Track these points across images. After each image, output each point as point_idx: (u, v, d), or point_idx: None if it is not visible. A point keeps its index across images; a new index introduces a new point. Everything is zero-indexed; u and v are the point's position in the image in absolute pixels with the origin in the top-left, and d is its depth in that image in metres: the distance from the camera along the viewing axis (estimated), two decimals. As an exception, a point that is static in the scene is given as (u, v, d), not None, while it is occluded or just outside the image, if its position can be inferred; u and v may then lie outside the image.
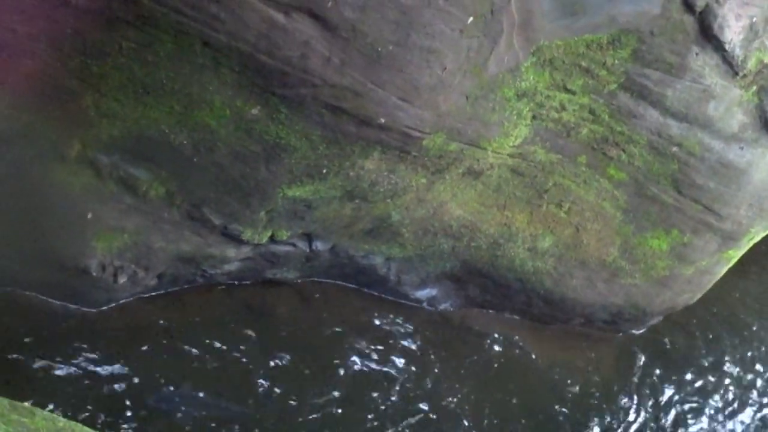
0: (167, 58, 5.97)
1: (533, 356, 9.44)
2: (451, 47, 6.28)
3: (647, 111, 7.58)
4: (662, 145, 7.81)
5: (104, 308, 7.48)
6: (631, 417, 9.47)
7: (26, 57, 5.87)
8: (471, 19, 6.21)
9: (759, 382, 10.75)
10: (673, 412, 9.81)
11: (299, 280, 8.51)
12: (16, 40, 5.75)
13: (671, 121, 7.67)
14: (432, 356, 8.78)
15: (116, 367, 7.25)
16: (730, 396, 10.44)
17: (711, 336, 11.07)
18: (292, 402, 7.75)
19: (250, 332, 8.01)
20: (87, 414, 6.78)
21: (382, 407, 8.14)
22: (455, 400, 8.51)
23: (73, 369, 7.07)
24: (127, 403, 7.11)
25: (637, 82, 7.37)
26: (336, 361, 8.21)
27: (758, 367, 11.01)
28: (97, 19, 5.72)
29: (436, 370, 8.65)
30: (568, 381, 9.38)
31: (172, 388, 7.31)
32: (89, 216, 6.79)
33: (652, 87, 7.42)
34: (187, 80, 6.12)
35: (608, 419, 9.29)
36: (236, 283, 8.19)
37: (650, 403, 9.73)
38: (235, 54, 5.97)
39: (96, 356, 7.20)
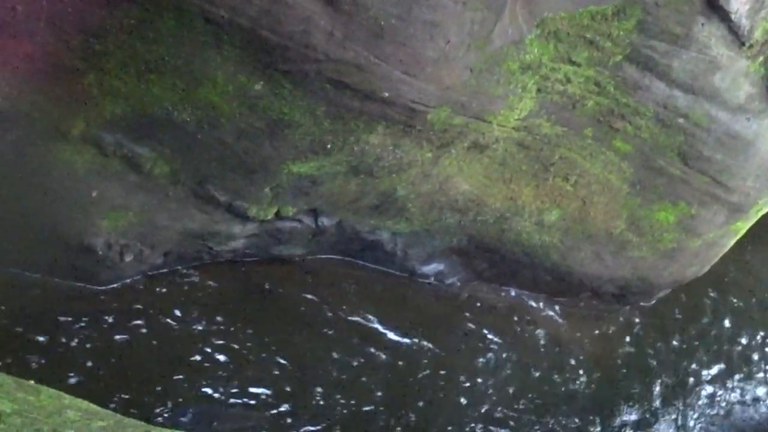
0: (169, 35, 5.94)
1: (541, 330, 9.43)
2: (454, 20, 6.23)
3: (653, 82, 7.52)
4: (668, 116, 7.76)
5: (111, 287, 7.48)
6: (643, 388, 9.49)
7: (27, 37, 5.84)
8: (473, -9, 6.17)
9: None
10: (684, 381, 9.85)
11: (305, 257, 8.50)
12: (17, 20, 5.72)
13: (677, 92, 7.62)
14: (440, 331, 8.77)
15: (123, 346, 7.26)
16: (739, 364, 10.49)
17: (719, 307, 11.07)
18: (301, 377, 7.80)
19: (256, 309, 8.01)
20: (94, 393, 6.77)
21: (392, 382, 8.21)
22: (463, 375, 8.53)
23: (80, 348, 7.07)
24: (133, 383, 7.14)
25: (642, 54, 7.32)
26: (342, 337, 8.21)
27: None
28: (97, -3, 5.71)
29: (444, 346, 8.65)
30: (577, 353, 9.39)
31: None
32: (94, 195, 6.77)
33: (657, 58, 7.36)
34: (189, 57, 6.08)
35: (619, 390, 9.30)
36: (242, 260, 8.17)
37: (662, 373, 9.75)
38: (237, 30, 5.93)
39: (103, 335, 7.21)
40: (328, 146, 6.87)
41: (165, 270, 7.79)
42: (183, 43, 6.00)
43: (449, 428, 8.25)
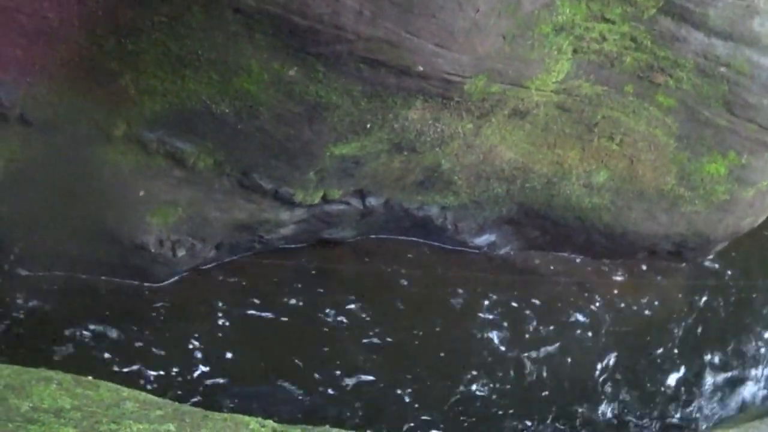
0: (199, 29, 6.01)
1: (602, 294, 9.39)
2: (482, -12, 6.24)
3: (690, 33, 7.46)
4: (709, 66, 7.70)
5: (167, 282, 7.56)
6: (706, 346, 9.42)
7: (62, 42, 5.96)
8: (500, -43, 6.16)
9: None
10: (751, 336, 9.77)
11: (356, 238, 8.55)
12: (50, 27, 5.84)
13: (716, 41, 7.55)
14: (501, 302, 8.78)
15: (185, 341, 7.34)
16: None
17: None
18: (374, 353, 7.91)
19: (316, 291, 8.07)
20: (157, 390, 6.88)
21: (468, 355, 8.29)
22: (529, 343, 8.53)
23: (139, 345, 7.17)
24: (201, 378, 7.23)
25: (676, 5, 7.26)
26: (409, 314, 8.29)
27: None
28: (126, -3, 5.79)
29: (507, 316, 8.65)
30: (641, 314, 9.34)
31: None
32: (141, 193, 6.87)
33: (692, 8, 7.31)
34: (222, 49, 6.15)
35: (683, 350, 9.25)
36: (294, 246, 8.22)
37: (727, 330, 9.68)
38: (266, 18, 5.98)
39: (163, 331, 7.29)
40: (368, 125, 6.90)
41: (219, 262, 7.86)
42: (214, 36, 6.07)
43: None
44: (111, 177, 6.73)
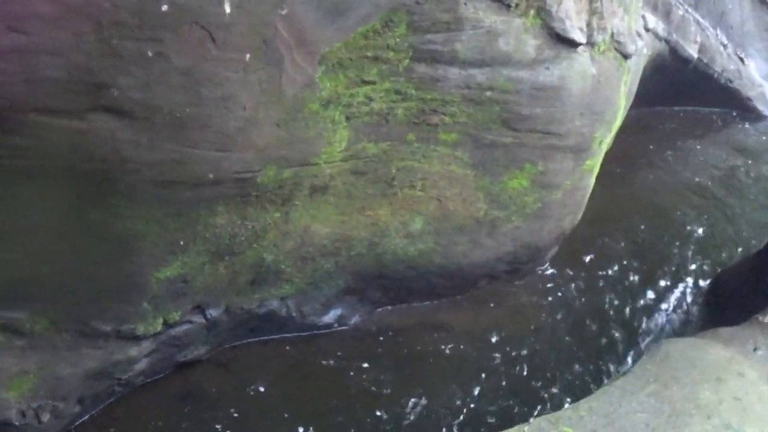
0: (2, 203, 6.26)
1: (460, 331, 9.65)
2: (242, 87, 6.63)
3: (447, 71, 7.95)
4: (475, 95, 8.20)
5: (42, 451, 7.61)
6: (576, 349, 9.72)
7: None
8: (248, 56, 6.55)
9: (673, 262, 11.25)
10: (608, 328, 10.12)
11: (212, 353, 8.72)
12: None
13: (473, 70, 8.06)
14: (366, 368, 8.96)
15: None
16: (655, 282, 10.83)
17: (610, 242, 11.50)
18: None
19: (187, 421, 8.14)
20: None
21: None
22: (402, 402, 8.66)
23: None
24: None
25: (425, 50, 7.74)
26: (283, 414, 8.37)
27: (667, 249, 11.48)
28: None
29: (373, 381, 8.84)
30: (501, 339, 9.60)
31: None
32: (-12, 373, 6.98)
33: (440, 48, 7.79)
34: (22, 213, 6.39)
35: (550, 360, 9.51)
36: (154, 379, 8.36)
37: (585, 329, 10.01)
38: (56, 172, 6.26)
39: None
40: (182, 243, 7.20)
41: (87, 416, 7.94)
42: (12, 204, 6.31)
43: None
44: (-45, 368, 6.84)
